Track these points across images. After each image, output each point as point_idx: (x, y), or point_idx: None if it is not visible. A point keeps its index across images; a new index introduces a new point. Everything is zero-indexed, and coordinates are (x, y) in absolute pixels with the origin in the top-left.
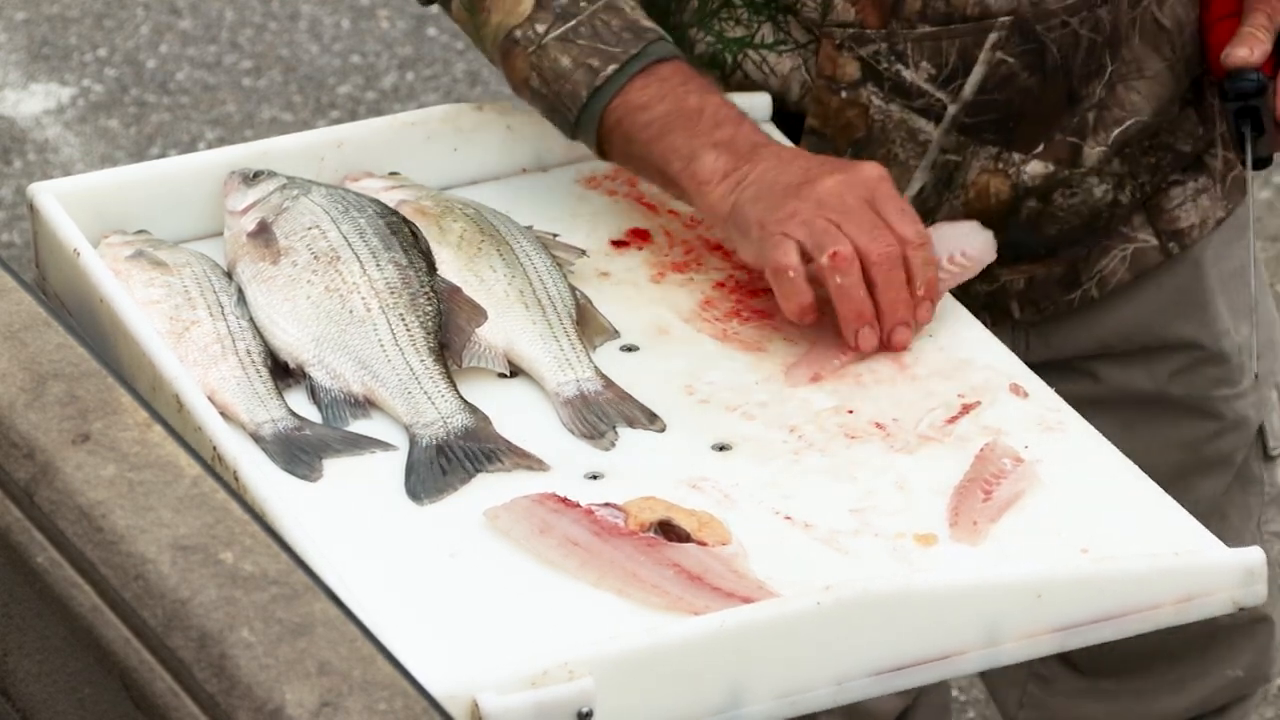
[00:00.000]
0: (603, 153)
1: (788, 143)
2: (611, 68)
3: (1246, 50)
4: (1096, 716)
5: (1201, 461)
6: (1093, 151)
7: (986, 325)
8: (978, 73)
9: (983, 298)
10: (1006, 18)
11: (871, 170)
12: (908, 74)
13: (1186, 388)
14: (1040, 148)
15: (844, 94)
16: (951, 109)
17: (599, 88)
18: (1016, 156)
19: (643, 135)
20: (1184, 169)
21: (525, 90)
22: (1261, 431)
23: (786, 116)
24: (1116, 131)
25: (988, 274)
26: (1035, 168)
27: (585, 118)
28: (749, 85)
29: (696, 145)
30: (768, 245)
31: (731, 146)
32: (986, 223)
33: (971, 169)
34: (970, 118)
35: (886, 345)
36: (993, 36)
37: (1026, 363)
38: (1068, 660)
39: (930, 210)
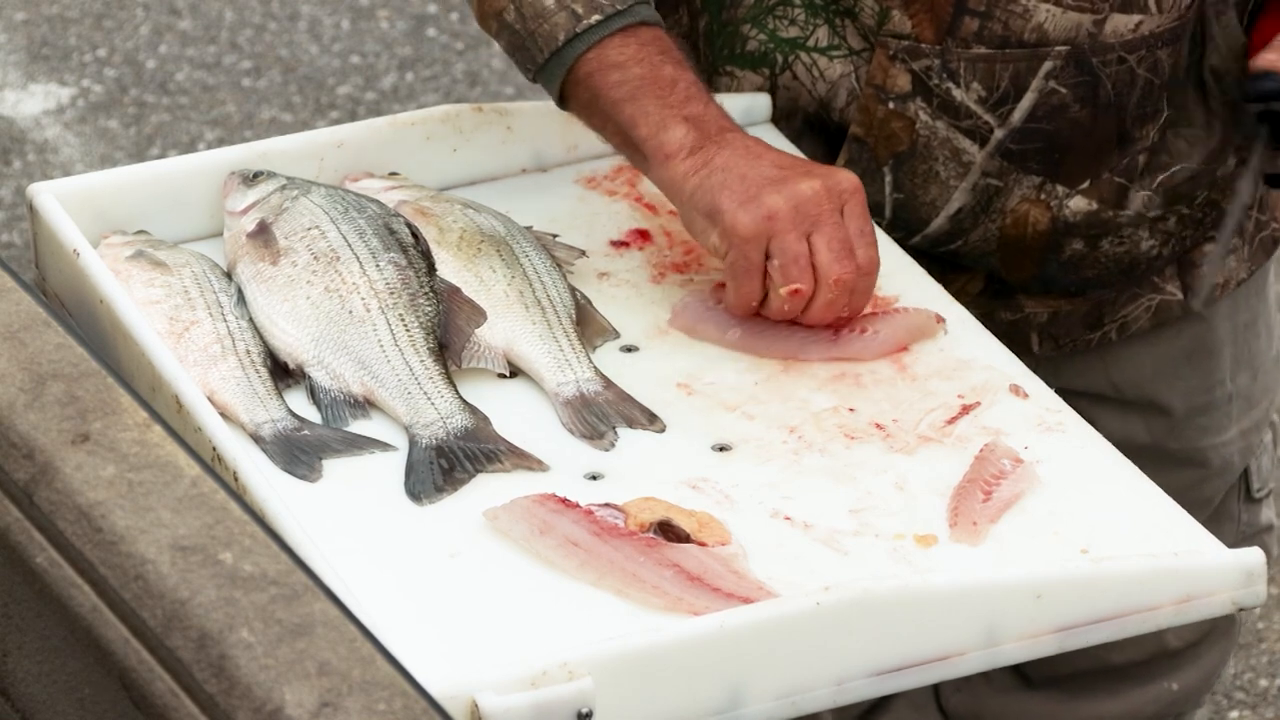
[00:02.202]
0: (562, 100)
1: (783, 140)
2: (595, 17)
3: (1276, 55)
4: (1027, 714)
5: (1184, 505)
6: (1138, 195)
7: None
8: (1028, 100)
9: (1005, 326)
10: (1063, 47)
11: (848, 180)
12: (958, 93)
13: (1181, 442)
14: (1086, 184)
15: (892, 105)
16: (998, 133)
17: (578, 34)
18: (1060, 189)
19: (613, 94)
20: (1219, 226)
21: (494, 21)
22: (1246, 473)
23: (826, 126)
24: (1163, 177)
25: (1012, 303)
26: (1079, 203)
27: (555, 62)
28: (796, 88)
29: (667, 115)
30: (738, 263)
31: (701, 123)
32: (1020, 252)
33: (1012, 196)
34: (1016, 144)
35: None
36: (1047, 65)
37: None
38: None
39: (965, 231)
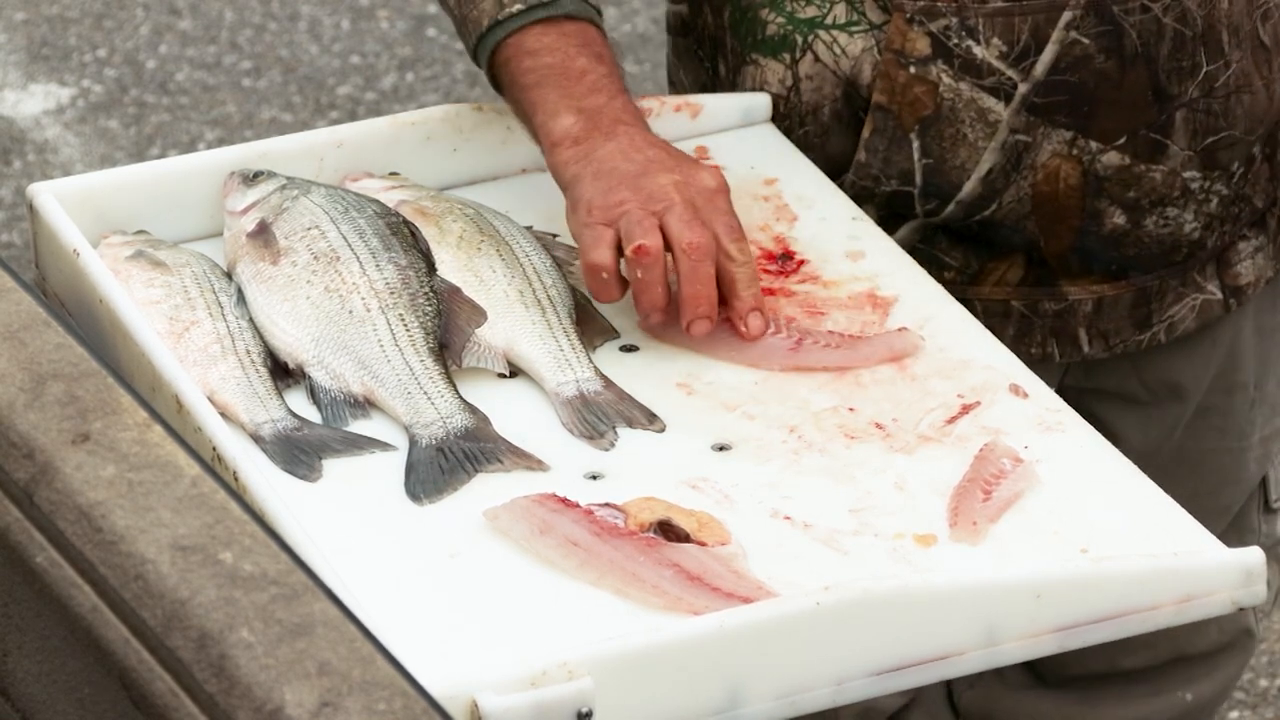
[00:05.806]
0: (495, 84)
1: (783, 143)
2: (518, 6)
3: None
4: (1039, 713)
5: (1198, 512)
6: (1176, 152)
7: (1053, 357)
8: (1050, 52)
9: (1051, 320)
10: None
11: (711, 178)
12: (978, 50)
13: (1198, 441)
14: (1122, 140)
15: (913, 69)
16: (1022, 88)
17: (499, 21)
18: (1094, 145)
19: (522, 80)
20: (1251, 224)
21: (440, 5)
22: (1264, 483)
23: (856, 111)
24: (1209, 140)
25: (1055, 291)
26: (1111, 158)
27: (481, 47)
28: (820, 73)
29: (562, 104)
30: (586, 236)
31: (595, 115)
32: (1055, 215)
33: (1042, 151)
34: (1041, 98)
35: (686, 332)
36: (1066, 15)
37: (1056, 390)
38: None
39: (998, 192)
